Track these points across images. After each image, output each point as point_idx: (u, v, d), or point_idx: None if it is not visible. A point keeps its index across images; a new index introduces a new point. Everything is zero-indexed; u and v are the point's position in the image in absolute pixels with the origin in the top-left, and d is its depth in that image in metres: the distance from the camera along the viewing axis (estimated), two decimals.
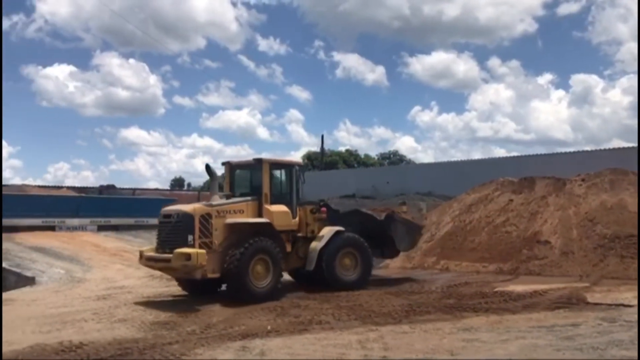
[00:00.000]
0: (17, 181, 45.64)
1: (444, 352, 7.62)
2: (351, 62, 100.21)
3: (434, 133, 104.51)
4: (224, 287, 12.71)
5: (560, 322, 9.32)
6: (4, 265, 17.88)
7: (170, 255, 11.50)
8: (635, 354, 7.31)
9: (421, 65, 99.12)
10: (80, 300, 12.93)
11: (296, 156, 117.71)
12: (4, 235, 21.63)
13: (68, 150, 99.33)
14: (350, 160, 59.99)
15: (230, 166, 13.99)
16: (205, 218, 11.94)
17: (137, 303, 12.22)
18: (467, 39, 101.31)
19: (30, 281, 16.51)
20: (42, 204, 25.17)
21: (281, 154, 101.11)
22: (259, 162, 13.21)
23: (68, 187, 37.35)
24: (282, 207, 13.17)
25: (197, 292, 12.90)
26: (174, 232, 11.97)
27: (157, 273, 17.02)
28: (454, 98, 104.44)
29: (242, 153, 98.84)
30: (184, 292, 13.30)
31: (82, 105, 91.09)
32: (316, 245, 13.44)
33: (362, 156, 63.19)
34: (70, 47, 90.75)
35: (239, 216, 12.51)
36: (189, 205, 12.43)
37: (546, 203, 18.03)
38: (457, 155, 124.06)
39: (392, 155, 66.68)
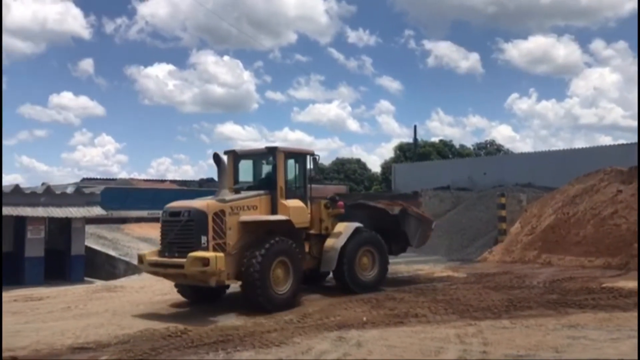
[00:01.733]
0: (123, 175, 48.53)
1: (548, 349, 7.28)
2: (443, 50, 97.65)
3: (533, 121, 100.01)
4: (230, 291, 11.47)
5: None
6: (114, 254, 19.12)
7: (183, 260, 9.82)
8: None
9: (518, 50, 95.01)
10: None
11: (388, 148, 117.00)
12: (114, 226, 23.12)
13: (169, 145, 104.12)
14: (445, 151, 58.60)
15: (234, 155, 12.36)
16: (219, 216, 10.33)
17: (234, 292, 12.59)
18: (567, 22, 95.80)
19: (138, 270, 17.51)
20: (148, 196, 26.58)
21: (372, 146, 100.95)
22: (272, 151, 11.70)
23: (171, 181, 39.25)
24: (298, 202, 11.74)
25: (200, 299, 11.45)
26: (184, 232, 10.29)
27: None
28: (553, 84, 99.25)
29: (333, 146, 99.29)
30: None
31: (181, 103, 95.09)
32: (334, 243, 11.97)
33: (457, 146, 61.68)
34: (169, 46, 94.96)
35: (253, 213, 10.95)
36: (200, 201, 10.72)
37: None
38: (558, 144, 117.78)
39: (488, 145, 64.46)
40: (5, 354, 7.51)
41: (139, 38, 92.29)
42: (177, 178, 43.39)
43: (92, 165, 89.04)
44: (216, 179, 11.99)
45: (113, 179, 39.15)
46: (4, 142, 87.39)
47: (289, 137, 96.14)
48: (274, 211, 11.28)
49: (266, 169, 12.39)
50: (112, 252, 19.29)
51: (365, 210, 13.70)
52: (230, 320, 9.58)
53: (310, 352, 7.35)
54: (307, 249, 11.96)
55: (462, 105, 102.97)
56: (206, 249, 10.01)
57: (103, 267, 19.24)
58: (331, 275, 12.83)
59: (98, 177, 40.31)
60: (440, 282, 13.44)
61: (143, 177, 44.12)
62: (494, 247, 19.35)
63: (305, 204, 11.98)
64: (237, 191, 11.48)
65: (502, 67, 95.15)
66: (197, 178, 39.71)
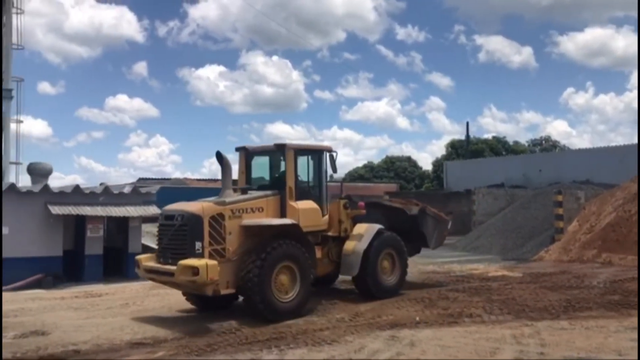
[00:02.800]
0: (177, 175, 49.54)
1: (609, 352, 7.03)
2: (495, 45, 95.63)
3: (590, 116, 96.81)
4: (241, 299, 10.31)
5: None
6: None
7: (174, 268, 9.13)
8: None
9: (573, 43, 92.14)
10: None
11: (439, 145, 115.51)
12: None
13: (220, 145, 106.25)
14: (498, 147, 57.27)
15: (245, 153, 11.54)
16: (217, 219, 9.51)
17: None
18: (627, 12, 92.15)
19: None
20: (201, 196, 27.03)
21: (422, 144, 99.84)
22: (280, 148, 10.86)
23: None
24: (309, 204, 10.85)
25: (209, 308, 10.57)
26: (177, 238, 9.55)
27: None
28: (612, 77, 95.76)
29: (382, 144, 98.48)
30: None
31: (231, 104, 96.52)
32: (356, 246, 11.17)
33: (511, 143, 60.25)
34: (220, 48, 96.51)
35: (258, 215, 10.09)
36: (195, 204, 9.84)
37: None
38: (617, 140, 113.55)
39: (544, 142, 62.73)
40: (68, 348, 7.81)
41: (191, 40, 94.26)
42: None
43: (147, 165, 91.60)
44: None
45: (167, 179, 40.07)
46: (65, 144, 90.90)
47: (337, 136, 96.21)
48: (282, 213, 10.41)
49: (274, 167, 11.65)
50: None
51: (382, 209, 13.03)
52: None
53: (363, 351, 7.32)
54: (325, 253, 11.35)
55: (515, 101, 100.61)
56: (201, 255, 9.18)
57: None
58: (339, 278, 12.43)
59: (153, 177, 41.34)
60: (494, 282, 13.17)
61: (196, 176, 45.01)
62: (550, 245, 18.83)
63: (320, 204, 11.09)
64: (244, 191, 10.65)
65: (556, 60, 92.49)
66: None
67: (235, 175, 11.42)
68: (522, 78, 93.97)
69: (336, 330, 8.53)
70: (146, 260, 10.14)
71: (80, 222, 18.09)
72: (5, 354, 7.54)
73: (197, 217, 9.39)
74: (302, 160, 11.20)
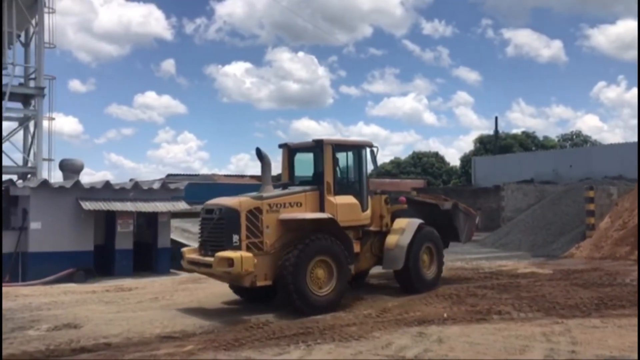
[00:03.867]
0: (205, 171, 50.05)
1: None
2: (523, 39, 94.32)
3: (622, 110, 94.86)
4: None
5: None
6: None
7: (212, 259, 9.52)
8: None
9: (604, 36, 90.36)
10: None
11: (467, 140, 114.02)
12: (197, 220, 23.85)
13: (247, 141, 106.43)
14: (527, 143, 56.42)
15: (288, 149, 11.84)
16: (254, 213, 9.79)
17: None
18: None
19: None
20: (229, 191, 27.22)
21: (449, 139, 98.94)
22: (319, 144, 11.03)
23: (250, 176, 40.08)
24: (349, 199, 11.01)
25: (252, 298, 11.01)
26: (216, 231, 10.02)
27: None
28: None
29: (409, 139, 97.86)
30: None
31: (258, 100, 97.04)
32: (399, 240, 11.41)
33: (541, 138, 59.33)
34: (247, 44, 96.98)
35: (296, 210, 10.32)
36: (233, 199, 10.16)
37: None
38: None
39: (574, 137, 61.71)
40: (99, 341, 7.95)
41: (218, 37, 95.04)
42: (256, 174, 44.22)
43: (175, 161, 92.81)
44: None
45: (196, 175, 40.46)
46: (96, 141, 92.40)
47: (363, 132, 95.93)
48: (321, 208, 10.59)
49: (314, 163, 11.74)
50: (196, 245, 19.91)
51: (416, 204, 13.12)
52: None
53: (390, 347, 7.29)
54: (368, 247, 11.55)
55: (545, 95, 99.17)
56: (238, 247, 9.51)
57: None
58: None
59: (181, 173, 41.78)
60: (524, 279, 13.01)
61: (224, 172, 45.38)
62: (581, 242, 18.53)
63: (361, 200, 11.21)
64: (285, 187, 11.02)
65: (587, 54, 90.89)
66: (274, 173, 40.32)
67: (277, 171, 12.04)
68: (552, 72, 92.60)
69: (363, 326, 8.51)
70: (189, 253, 10.69)
71: (110, 217, 18.37)
72: (39, 346, 7.71)
73: (234, 211, 9.76)
74: (342, 156, 11.41)
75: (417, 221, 11.81)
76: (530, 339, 7.55)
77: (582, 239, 18.73)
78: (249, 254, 9.36)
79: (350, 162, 11.62)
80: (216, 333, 8.35)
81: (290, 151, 11.82)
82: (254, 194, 10.39)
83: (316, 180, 11.05)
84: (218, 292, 12.25)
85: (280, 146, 11.92)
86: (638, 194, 16.68)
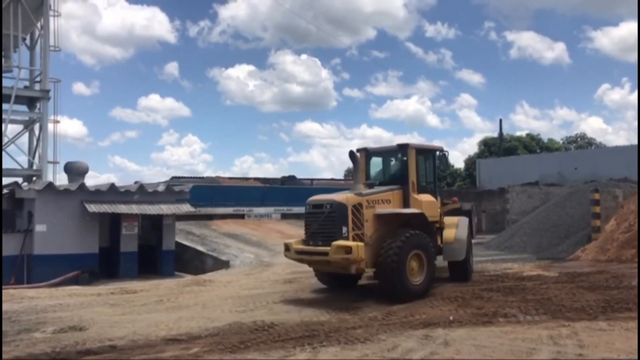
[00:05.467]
0: (209, 174, 50.02)
1: None
2: (526, 41, 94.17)
3: (626, 113, 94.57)
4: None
5: None
6: (202, 249, 19.77)
7: (327, 249, 10.60)
8: None
9: (608, 38, 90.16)
10: (269, 283, 13.81)
11: (470, 143, 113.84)
12: (202, 222, 23.93)
13: (251, 144, 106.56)
14: (532, 145, 56.24)
15: (366, 153, 13.01)
16: (357, 208, 10.93)
17: (320, 288, 12.71)
18: None
19: (225, 264, 18.07)
20: (233, 194, 27.32)
21: (453, 141, 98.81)
22: (403, 147, 12.30)
23: (254, 179, 40.09)
24: (428, 197, 12.31)
25: (336, 286, 12.35)
26: (327, 223, 11.02)
27: None
28: None
29: (413, 142, 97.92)
30: (366, 279, 13.47)
31: (261, 103, 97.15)
32: (457, 234, 12.78)
33: (545, 140, 59.15)
34: (251, 47, 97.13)
35: (386, 206, 11.49)
36: (341, 195, 11.34)
37: None
38: None
39: (579, 139, 61.53)
40: (105, 343, 7.94)
41: (221, 40, 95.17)
42: (260, 176, 44.25)
43: (179, 164, 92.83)
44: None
45: (200, 177, 40.49)
46: (99, 144, 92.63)
47: (367, 134, 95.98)
48: (405, 205, 11.82)
49: (396, 165, 13.09)
50: (200, 248, 19.96)
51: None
52: (316, 316, 9.64)
53: (396, 350, 7.26)
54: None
55: (548, 98, 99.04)
56: (346, 238, 10.64)
57: (192, 261, 19.94)
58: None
59: (185, 175, 41.77)
60: (529, 281, 12.94)
61: (227, 174, 45.34)
62: (587, 245, 18.45)
63: (435, 198, 12.61)
64: (369, 186, 12.03)
65: (590, 56, 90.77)
66: (278, 175, 40.38)
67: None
68: (555, 74, 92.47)
69: (369, 329, 8.48)
70: (296, 244, 11.62)
71: (115, 219, 18.43)
72: (44, 348, 7.70)
73: (343, 206, 10.90)
74: (420, 159, 12.61)
75: (465, 218, 13.16)
76: (537, 342, 7.50)
77: (588, 242, 18.66)
78: (362, 243, 10.58)
79: (427, 164, 12.93)
80: (221, 335, 8.33)
81: (367, 155, 13.04)
82: (350, 191, 11.50)
83: (397, 180, 12.31)
84: (223, 294, 12.27)
85: (358, 150, 12.85)
86: (638, 197, 16.60)
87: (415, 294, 10.82)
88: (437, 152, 13.18)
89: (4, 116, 25.24)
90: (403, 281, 10.65)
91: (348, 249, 10.38)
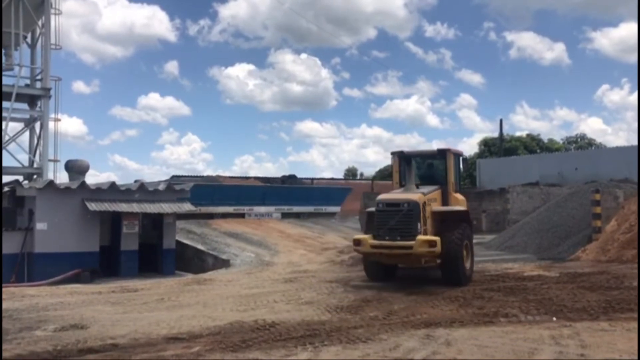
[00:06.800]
0: (209, 172, 50.00)
1: None
2: (526, 41, 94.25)
3: (626, 113, 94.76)
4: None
5: None
6: (203, 248, 19.78)
7: (410, 243, 11.71)
8: None
9: (608, 39, 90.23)
10: (270, 282, 13.81)
11: (470, 143, 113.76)
12: (202, 221, 23.93)
13: (251, 143, 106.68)
14: (532, 145, 56.19)
15: (402, 156, 14.15)
16: (423, 206, 12.23)
17: (321, 287, 12.71)
18: None
19: (226, 263, 18.06)
20: (234, 193, 27.30)
21: (453, 141, 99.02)
22: (443, 152, 13.84)
23: (255, 178, 40.07)
24: (460, 195, 13.92)
25: (380, 278, 13.23)
26: (405, 220, 12.07)
27: (337, 259, 17.63)
28: None
29: (412, 141, 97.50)
30: (363, 278, 13.58)
31: (261, 102, 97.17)
32: None
33: (546, 141, 59.08)
34: (251, 46, 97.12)
35: (434, 204, 12.83)
36: (412, 194, 12.43)
37: None
38: None
39: (579, 139, 61.48)
40: (106, 342, 7.94)
41: (221, 39, 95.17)
42: (260, 175, 44.23)
43: (179, 163, 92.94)
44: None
45: (200, 176, 40.48)
46: (100, 142, 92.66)
47: (366, 134, 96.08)
48: (445, 203, 13.29)
49: (436, 167, 14.48)
50: (201, 247, 19.95)
51: None
52: (317, 315, 9.64)
53: (398, 349, 7.26)
54: None
55: (548, 98, 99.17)
56: (420, 233, 11.89)
57: (192, 260, 19.95)
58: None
59: (185, 174, 41.74)
60: (530, 281, 12.94)
61: (227, 174, 45.32)
62: (587, 245, 18.41)
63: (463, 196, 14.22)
64: (417, 187, 13.16)
65: (590, 57, 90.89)
66: (277, 175, 40.37)
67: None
68: (555, 75, 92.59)
69: (370, 328, 8.48)
70: (371, 239, 12.37)
71: (116, 218, 18.43)
72: (46, 346, 7.70)
73: (417, 204, 12.10)
74: (455, 162, 14.05)
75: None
76: (538, 342, 7.51)
77: (589, 242, 18.63)
78: (439, 238, 11.86)
79: (457, 167, 14.18)
80: (223, 334, 8.32)
81: (403, 157, 14.13)
82: (411, 191, 12.65)
83: (436, 181, 13.74)
84: (224, 293, 12.27)
85: (394, 153, 14.32)
86: (638, 198, 16.57)
87: (468, 278, 12.72)
88: (461, 156, 14.69)
89: (4, 114, 25.27)
90: (464, 267, 12.45)
91: (433, 243, 11.69)
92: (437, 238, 11.77)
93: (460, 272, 12.31)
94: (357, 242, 12.57)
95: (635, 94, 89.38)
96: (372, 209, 13.01)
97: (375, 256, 12.73)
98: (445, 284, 12.31)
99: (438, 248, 11.66)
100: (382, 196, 12.74)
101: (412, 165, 13.98)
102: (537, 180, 33.93)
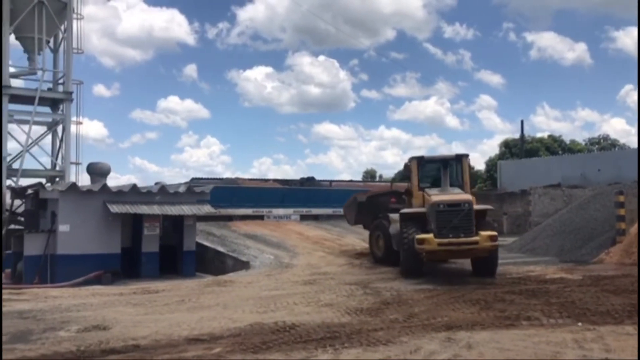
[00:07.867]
0: (228, 175, 50.23)
1: None
2: (547, 42, 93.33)
3: None
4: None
5: None
6: (223, 250, 19.85)
7: (476, 238, 13.34)
8: None
9: (631, 38, 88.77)
10: (289, 284, 13.82)
11: (490, 144, 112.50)
12: (222, 223, 24.01)
13: (269, 145, 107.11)
14: (554, 146, 55.52)
15: (421, 160, 15.71)
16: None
17: (340, 289, 12.69)
18: None
19: (245, 265, 18.09)
20: (253, 195, 27.33)
21: (473, 143, 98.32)
22: (460, 157, 15.66)
23: (274, 180, 40.13)
24: (472, 196, 14.98)
25: (416, 274, 14.29)
26: (466, 218, 13.63)
27: (356, 262, 17.61)
28: None
29: (431, 143, 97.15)
30: (382, 280, 13.57)
31: (279, 104, 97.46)
32: None
33: (568, 142, 58.35)
34: (269, 49, 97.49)
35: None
36: (466, 195, 14.38)
37: None
38: None
39: (602, 140, 60.66)
40: (128, 343, 8.01)
41: (240, 42, 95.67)
42: (278, 177, 44.33)
43: (198, 165, 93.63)
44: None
45: (220, 178, 40.65)
46: (120, 145, 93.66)
47: (385, 136, 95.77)
48: None
49: (453, 171, 15.77)
50: (220, 248, 20.01)
51: None
52: (336, 317, 9.62)
53: (419, 352, 7.22)
54: None
55: (570, 99, 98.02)
56: (474, 230, 13.54)
57: (212, 262, 20.00)
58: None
59: (205, 176, 41.94)
60: (553, 284, 12.77)
61: (246, 176, 45.47)
62: (611, 248, 18.12)
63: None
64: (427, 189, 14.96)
65: (613, 56, 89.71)
66: (296, 177, 40.37)
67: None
68: (576, 75, 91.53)
69: (391, 331, 8.44)
70: (435, 238, 13.45)
71: (137, 220, 18.57)
72: (69, 347, 7.80)
73: (471, 204, 13.88)
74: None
75: None
76: (561, 345, 7.41)
77: (612, 245, 18.34)
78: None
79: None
80: (243, 336, 8.35)
81: (422, 162, 15.70)
82: (457, 192, 14.61)
83: (453, 183, 15.34)
84: (244, 295, 12.31)
85: (414, 158, 15.73)
86: (638, 198, 16.25)
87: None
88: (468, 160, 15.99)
89: (27, 118, 25.69)
90: (496, 261, 14.33)
91: (494, 237, 13.47)
92: (495, 233, 13.61)
93: (496, 265, 14.11)
94: (420, 242, 13.44)
95: None
96: (362, 198, 17.53)
97: (441, 253, 14.04)
98: (478, 275, 14.06)
99: (497, 242, 13.52)
100: (438, 198, 14.07)
101: (447, 170, 15.45)
102: (559, 182, 33.53)
